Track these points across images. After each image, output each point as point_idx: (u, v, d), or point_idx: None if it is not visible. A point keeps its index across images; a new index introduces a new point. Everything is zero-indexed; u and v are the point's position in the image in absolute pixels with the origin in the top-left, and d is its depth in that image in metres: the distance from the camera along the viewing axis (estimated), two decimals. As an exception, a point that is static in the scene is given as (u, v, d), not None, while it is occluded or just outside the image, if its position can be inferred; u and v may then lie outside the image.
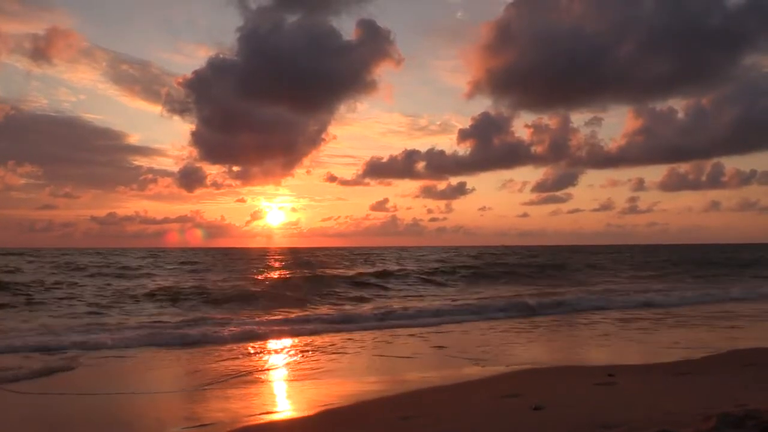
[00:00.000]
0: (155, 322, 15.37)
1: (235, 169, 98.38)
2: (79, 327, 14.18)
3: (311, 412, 6.85)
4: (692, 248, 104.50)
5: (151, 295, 21.31)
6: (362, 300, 22.16)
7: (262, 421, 6.54)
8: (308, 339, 13.08)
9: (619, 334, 13.58)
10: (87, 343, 11.96)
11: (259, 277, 32.17)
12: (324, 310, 18.69)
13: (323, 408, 7.01)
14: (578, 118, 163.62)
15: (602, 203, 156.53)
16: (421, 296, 24.13)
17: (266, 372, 9.66)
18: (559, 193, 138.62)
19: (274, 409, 7.16)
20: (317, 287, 25.18)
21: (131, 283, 26.75)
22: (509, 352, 11.28)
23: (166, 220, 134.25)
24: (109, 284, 26.28)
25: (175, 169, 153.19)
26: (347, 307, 19.82)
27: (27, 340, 12.11)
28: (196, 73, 69.44)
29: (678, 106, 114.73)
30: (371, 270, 35.89)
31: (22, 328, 14.12)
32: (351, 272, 34.11)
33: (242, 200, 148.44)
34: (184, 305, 19.49)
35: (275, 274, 35.14)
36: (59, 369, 9.63)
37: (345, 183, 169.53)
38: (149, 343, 12.29)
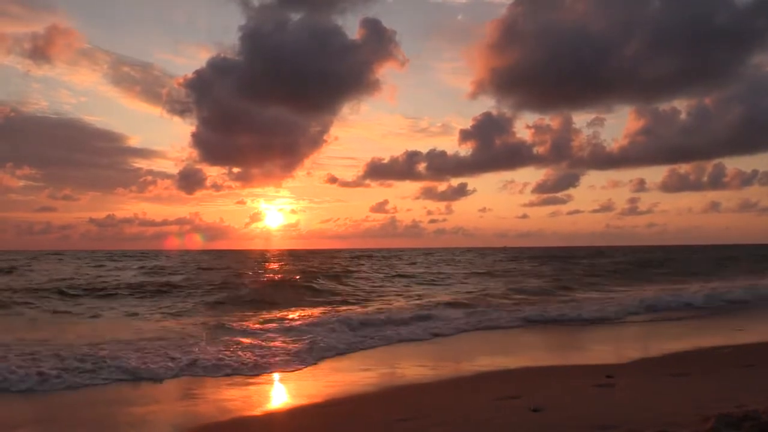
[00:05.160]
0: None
1: (235, 170, 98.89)
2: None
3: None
4: (692, 249, 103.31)
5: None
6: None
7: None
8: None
9: None
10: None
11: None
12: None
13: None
14: (581, 119, 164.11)
15: (602, 204, 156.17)
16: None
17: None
18: (559, 194, 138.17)
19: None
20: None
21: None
22: None
23: (165, 222, 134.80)
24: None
25: (175, 171, 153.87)
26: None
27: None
28: (197, 73, 69.50)
29: (681, 106, 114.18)
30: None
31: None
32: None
33: (242, 202, 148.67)
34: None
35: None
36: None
37: (345, 184, 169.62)
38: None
